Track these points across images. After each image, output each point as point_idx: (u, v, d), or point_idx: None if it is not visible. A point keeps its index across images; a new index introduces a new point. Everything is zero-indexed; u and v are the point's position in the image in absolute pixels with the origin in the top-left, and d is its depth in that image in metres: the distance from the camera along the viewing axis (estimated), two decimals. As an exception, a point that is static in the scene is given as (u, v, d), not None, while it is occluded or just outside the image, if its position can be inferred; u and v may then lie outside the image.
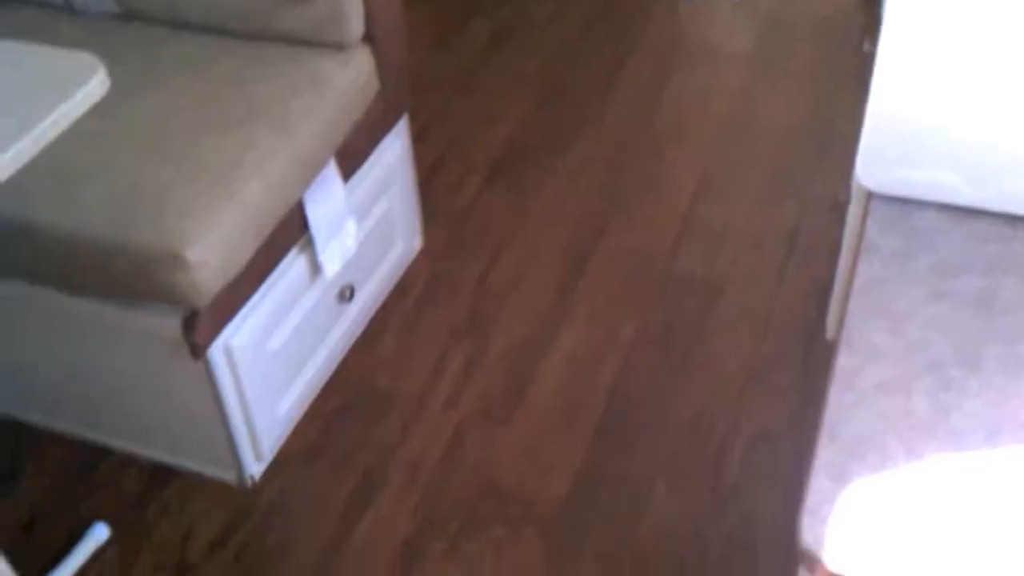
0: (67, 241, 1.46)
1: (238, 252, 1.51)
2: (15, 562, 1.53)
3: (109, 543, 1.63)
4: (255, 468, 1.72)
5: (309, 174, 1.66)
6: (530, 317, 1.98)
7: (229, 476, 1.72)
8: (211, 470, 1.72)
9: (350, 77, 1.74)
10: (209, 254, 1.44)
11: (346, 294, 1.84)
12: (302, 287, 1.72)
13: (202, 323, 1.49)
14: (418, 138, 2.34)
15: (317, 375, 1.84)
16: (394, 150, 1.94)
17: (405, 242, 2.06)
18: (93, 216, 1.45)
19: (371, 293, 1.96)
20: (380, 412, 1.82)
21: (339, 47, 1.75)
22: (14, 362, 1.73)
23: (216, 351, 1.55)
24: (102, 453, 1.77)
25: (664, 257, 2.08)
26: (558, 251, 2.11)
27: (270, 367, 1.68)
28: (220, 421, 1.63)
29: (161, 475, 1.73)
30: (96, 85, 1.22)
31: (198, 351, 1.50)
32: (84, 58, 1.23)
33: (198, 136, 1.56)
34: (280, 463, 1.75)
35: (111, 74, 1.22)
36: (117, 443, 1.76)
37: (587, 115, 2.46)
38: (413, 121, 2.02)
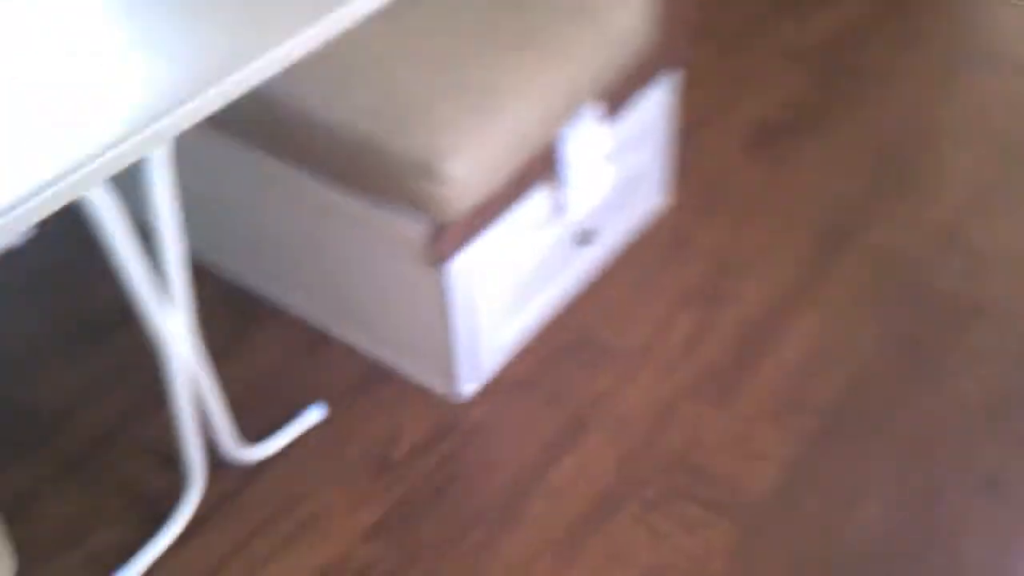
0: (332, 134, 1.50)
1: (492, 174, 1.51)
2: (239, 424, 1.62)
3: (322, 424, 1.70)
4: (469, 387, 1.75)
5: (572, 109, 1.64)
6: (767, 296, 1.90)
7: (443, 389, 1.75)
8: (427, 379, 1.76)
9: (629, 18, 1.71)
10: (464, 171, 1.45)
11: (585, 237, 1.83)
12: (544, 222, 1.72)
13: (446, 237, 1.51)
14: (684, 91, 2.29)
15: (543, 311, 1.84)
16: (659, 101, 1.90)
17: (652, 196, 2.02)
18: (360, 114, 1.49)
19: (610, 241, 1.94)
20: (597, 361, 1.81)
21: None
22: (260, 235, 1.82)
23: (454, 266, 1.57)
24: (327, 339, 1.84)
25: (922, 265, 1.95)
26: (809, 233, 2.02)
27: (501, 293, 1.69)
28: (445, 334, 1.66)
29: (379, 372, 1.79)
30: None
31: (438, 262, 1.53)
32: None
33: (471, 54, 1.56)
34: (492, 388, 1.77)
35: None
36: (343, 333, 1.83)
37: (861, 99, 2.33)
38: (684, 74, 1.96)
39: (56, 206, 0.91)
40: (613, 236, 1.95)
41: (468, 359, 1.70)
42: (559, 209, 1.73)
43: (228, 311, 1.89)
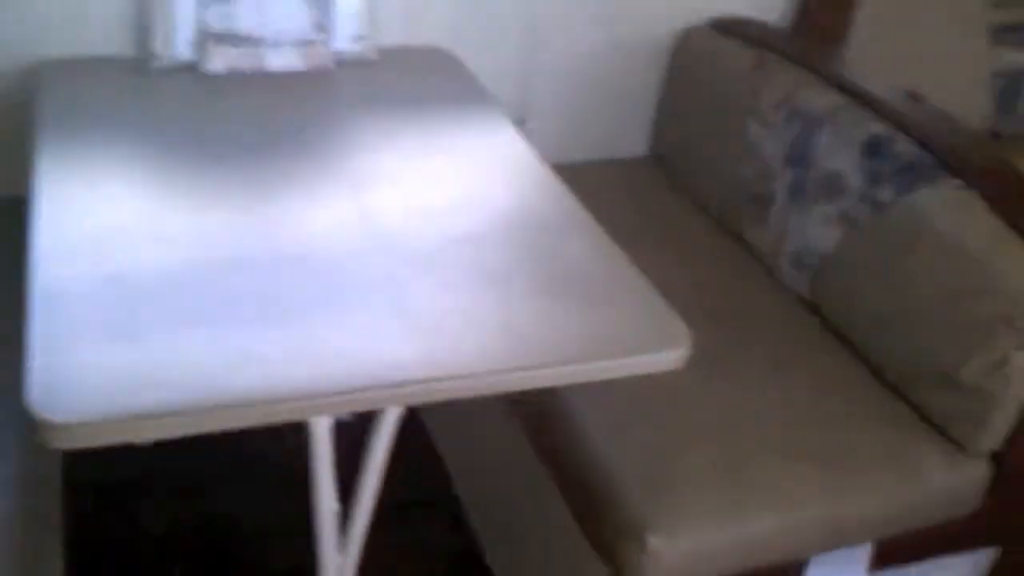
0: (587, 457, 1.52)
1: (702, 567, 1.44)
2: None
3: None
4: None
5: (832, 544, 1.53)
6: None
7: None
8: None
9: (950, 483, 1.56)
10: (671, 552, 1.40)
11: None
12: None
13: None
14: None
15: None
16: (959, 570, 1.70)
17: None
18: (621, 450, 1.49)
19: None
20: None
21: (961, 447, 1.58)
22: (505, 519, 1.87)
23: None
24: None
25: None
26: None
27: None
28: None
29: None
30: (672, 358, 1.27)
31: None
32: (676, 325, 1.29)
33: (759, 442, 1.51)
34: None
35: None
36: None
37: None
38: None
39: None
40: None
41: None
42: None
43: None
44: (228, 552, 1.88)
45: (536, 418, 1.65)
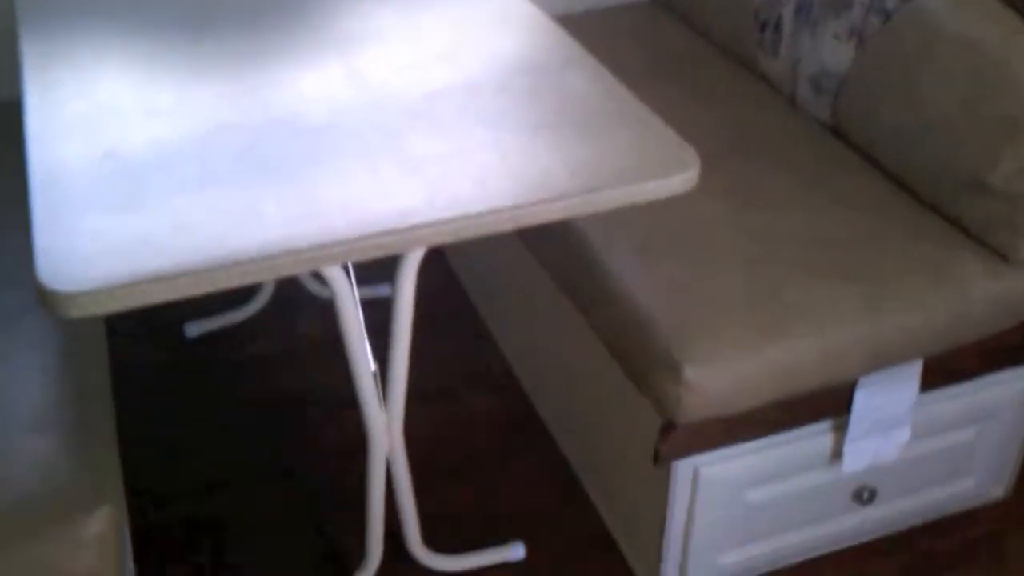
0: (615, 300, 1.50)
1: (744, 395, 1.42)
2: (449, 529, 1.66)
3: (513, 564, 1.70)
4: (671, 589, 1.65)
5: (879, 363, 1.49)
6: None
7: (646, 581, 1.68)
8: (635, 563, 1.69)
9: (995, 292, 1.52)
10: (708, 382, 1.39)
11: (863, 496, 1.64)
12: (812, 463, 1.58)
13: (672, 438, 1.45)
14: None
15: (783, 554, 1.68)
16: (1015, 389, 1.66)
17: (976, 483, 1.75)
18: (651, 285, 1.48)
19: (900, 511, 1.72)
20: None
21: (1002, 256, 1.53)
22: (548, 361, 1.87)
23: (683, 467, 1.50)
24: (576, 488, 1.83)
25: None
26: None
27: (733, 514, 1.58)
28: (660, 533, 1.58)
29: (604, 541, 1.74)
30: (682, 180, 1.24)
31: (659, 459, 1.47)
32: (684, 149, 1.26)
33: (793, 267, 1.49)
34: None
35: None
36: (589, 489, 1.82)
37: None
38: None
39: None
40: (908, 507, 1.72)
41: (676, 564, 1.61)
42: (834, 454, 1.58)
43: (508, 423, 1.96)
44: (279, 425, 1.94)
45: (561, 257, 1.65)
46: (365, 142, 1.24)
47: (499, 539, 1.71)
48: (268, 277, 1.09)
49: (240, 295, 2.17)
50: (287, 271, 1.09)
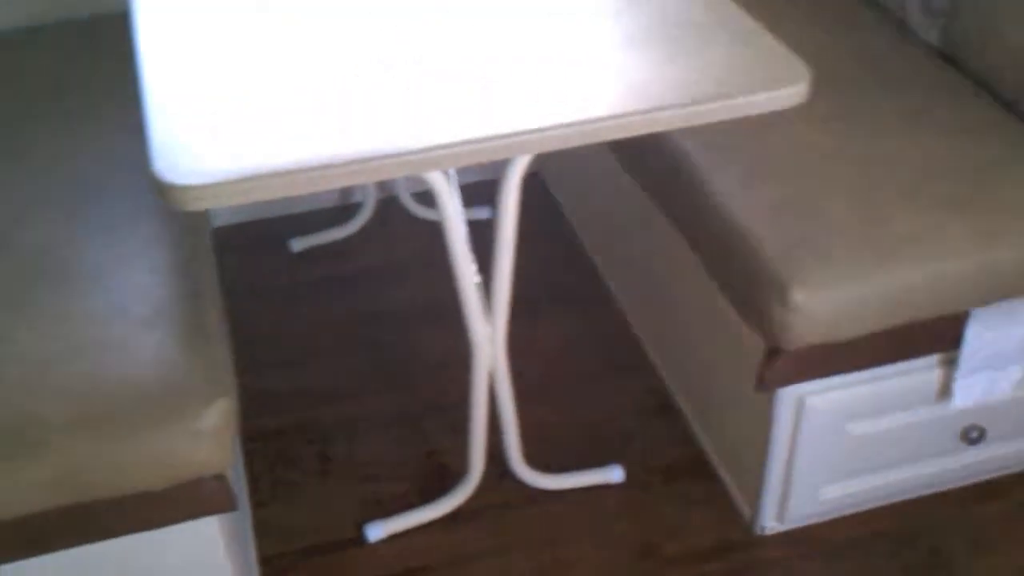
0: (720, 220, 1.48)
1: (852, 322, 1.40)
2: (548, 449, 1.68)
3: (614, 487, 1.71)
4: (771, 524, 1.64)
5: (993, 296, 1.44)
6: None
7: (744, 510, 1.66)
8: (736, 496, 1.68)
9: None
10: (816, 306, 1.36)
11: (972, 435, 1.60)
12: (920, 398, 1.54)
13: (777, 364, 1.43)
14: None
15: (886, 491, 1.65)
16: None
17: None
18: (755, 210, 1.45)
19: (1009, 453, 1.67)
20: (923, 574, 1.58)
21: None
22: (645, 281, 1.87)
23: (787, 396, 1.49)
24: (673, 409, 1.84)
25: None
26: None
27: (836, 447, 1.56)
28: (762, 461, 1.57)
29: (700, 465, 1.74)
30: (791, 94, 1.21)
31: (763, 386, 1.45)
32: (793, 62, 1.23)
33: (903, 195, 1.45)
34: (796, 538, 1.64)
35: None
36: (686, 410, 1.82)
37: None
38: None
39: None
40: (1016, 449, 1.67)
41: (776, 496, 1.60)
42: (943, 391, 1.54)
43: (605, 344, 1.97)
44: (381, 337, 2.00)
45: (663, 179, 1.64)
46: (473, 62, 1.24)
47: (596, 461, 1.73)
48: (378, 178, 1.10)
49: (341, 216, 2.22)
50: (395, 173, 1.10)
